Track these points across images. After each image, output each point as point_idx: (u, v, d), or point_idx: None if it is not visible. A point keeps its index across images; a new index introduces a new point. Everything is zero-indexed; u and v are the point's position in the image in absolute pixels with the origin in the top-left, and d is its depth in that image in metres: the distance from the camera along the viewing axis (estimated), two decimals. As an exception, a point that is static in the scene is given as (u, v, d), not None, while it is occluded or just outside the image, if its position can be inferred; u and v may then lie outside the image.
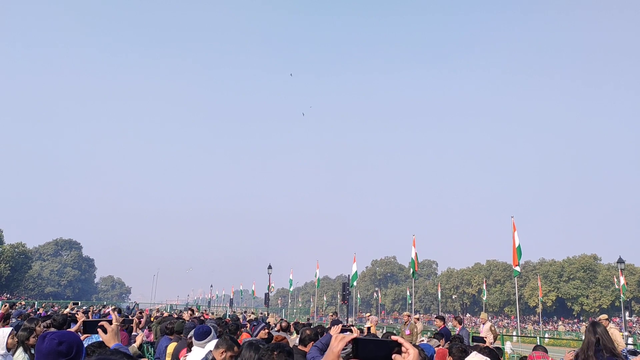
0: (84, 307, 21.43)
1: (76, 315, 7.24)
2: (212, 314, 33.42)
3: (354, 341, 1.48)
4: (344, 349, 1.60)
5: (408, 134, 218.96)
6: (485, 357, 5.20)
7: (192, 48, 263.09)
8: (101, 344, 3.81)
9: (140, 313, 16.50)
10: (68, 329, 6.24)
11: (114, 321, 3.26)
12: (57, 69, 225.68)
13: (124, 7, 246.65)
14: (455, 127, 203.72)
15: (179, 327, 7.38)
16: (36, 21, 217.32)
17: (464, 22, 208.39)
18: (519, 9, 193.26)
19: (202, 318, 12.48)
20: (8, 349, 4.86)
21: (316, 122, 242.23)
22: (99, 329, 3.19)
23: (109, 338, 3.19)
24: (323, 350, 4.79)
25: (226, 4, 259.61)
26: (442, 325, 12.10)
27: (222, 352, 4.29)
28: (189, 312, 11.56)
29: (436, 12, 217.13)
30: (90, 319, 11.34)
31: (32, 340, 5.04)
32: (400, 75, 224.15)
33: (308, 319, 29.48)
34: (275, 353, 3.14)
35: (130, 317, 11.64)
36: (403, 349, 1.48)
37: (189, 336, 5.91)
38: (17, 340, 4.89)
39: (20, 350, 4.85)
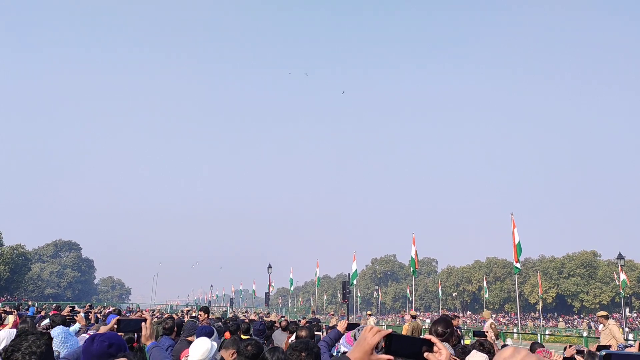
0: (85, 309, 21.31)
1: (75, 317, 7.22)
2: (212, 314, 33.36)
3: (388, 336, 1.51)
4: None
5: (407, 131, 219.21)
6: (484, 355, 5.21)
7: (190, 47, 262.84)
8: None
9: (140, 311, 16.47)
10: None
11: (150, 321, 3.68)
12: (56, 69, 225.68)
13: (121, 5, 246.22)
14: (455, 125, 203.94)
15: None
16: (32, 21, 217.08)
17: (464, 18, 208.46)
18: (519, 6, 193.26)
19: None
20: None
21: (315, 121, 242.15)
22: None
23: (147, 336, 3.56)
24: (331, 345, 4.70)
25: (226, 2, 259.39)
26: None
27: (232, 353, 4.21)
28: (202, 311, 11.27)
29: (435, 8, 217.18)
30: (92, 319, 11.33)
31: None
32: (399, 72, 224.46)
33: (303, 317, 29.46)
34: (304, 354, 3.02)
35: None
36: (435, 348, 1.49)
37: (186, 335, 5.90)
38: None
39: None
